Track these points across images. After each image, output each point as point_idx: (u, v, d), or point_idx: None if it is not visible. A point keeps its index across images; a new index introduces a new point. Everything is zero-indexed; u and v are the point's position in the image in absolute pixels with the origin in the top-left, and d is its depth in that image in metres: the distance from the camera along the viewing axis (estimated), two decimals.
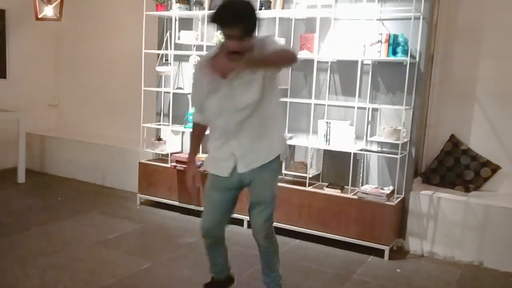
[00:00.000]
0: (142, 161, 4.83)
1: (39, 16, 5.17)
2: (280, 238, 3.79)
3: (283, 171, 4.25)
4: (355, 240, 3.79)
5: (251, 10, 2.27)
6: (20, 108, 5.61)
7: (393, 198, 3.79)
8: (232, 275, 2.90)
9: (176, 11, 4.52)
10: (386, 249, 3.70)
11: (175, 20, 4.56)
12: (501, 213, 3.61)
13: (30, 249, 3.51)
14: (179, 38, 4.54)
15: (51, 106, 6.58)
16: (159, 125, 4.93)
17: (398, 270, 3.50)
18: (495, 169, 3.99)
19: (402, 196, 3.87)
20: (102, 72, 6.05)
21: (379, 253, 3.71)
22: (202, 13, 4.43)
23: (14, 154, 5.82)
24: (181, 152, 4.89)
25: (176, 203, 4.59)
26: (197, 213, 4.41)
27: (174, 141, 4.91)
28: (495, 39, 3.95)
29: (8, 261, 3.26)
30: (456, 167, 4.09)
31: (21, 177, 5.45)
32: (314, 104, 4.05)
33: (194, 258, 3.52)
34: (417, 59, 3.76)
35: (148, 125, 4.86)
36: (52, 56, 6.48)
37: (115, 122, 5.99)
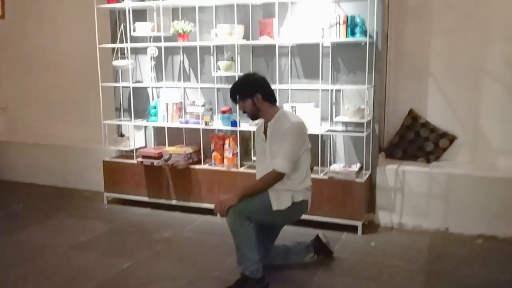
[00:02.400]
0: (106, 159, 4.72)
1: None
2: None
3: (253, 158, 4.29)
4: (328, 218, 3.90)
5: (240, 84, 3.02)
6: None
7: (362, 175, 3.92)
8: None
9: (129, 3, 4.40)
10: (359, 224, 3.83)
11: (129, 12, 4.44)
12: (461, 180, 3.83)
13: (2, 260, 3.37)
14: (134, 30, 4.44)
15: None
16: (120, 121, 4.82)
17: (373, 244, 3.65)
18: (452, 139, 4.21)
19: (369, 172, 4.01)
20: (52, 71, 5.81)
21: (353, 229, 3.84)
22: (156, 3, 4.34)
23: None
24: (145, 146, 4.82)
25: (146, 199, 4.54)
26: (169, 207, 4.42)
27: (137, 136, 4.82)
28: (443, 16, 4.13)
29: None
30: (416, 140, 4.27)
31: None
32: (278, 89, 4.08)
33: (173, 252, 3.52)
34: (374, 39, 3.87)
35: (109, 121, 4.74)
36: None
37: (70, 121, 5.79)
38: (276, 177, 2.87)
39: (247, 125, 4.22)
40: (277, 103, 3.12)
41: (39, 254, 3.47)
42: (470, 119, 4.16)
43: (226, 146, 4.27)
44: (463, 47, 4.11)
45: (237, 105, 3.13)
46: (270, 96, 3.00)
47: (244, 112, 3.06)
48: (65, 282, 3.03)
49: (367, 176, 3.94)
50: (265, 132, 3.03)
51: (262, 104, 2.96)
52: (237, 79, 3.16)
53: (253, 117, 3.05)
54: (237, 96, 2.99)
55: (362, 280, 3.04)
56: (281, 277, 3.07)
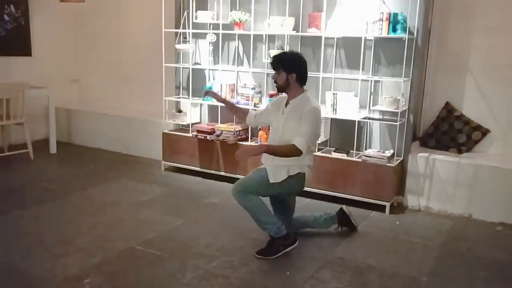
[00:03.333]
0: (165, 131, 5.31)
1: None
2: None
3: None
4: (359, 197, 4.30)
5: (285, 57, 3.34)
6: (44, 84, 6.04)
7: (393, 160, 4.28)
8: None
9: None
10: (387, 205, 4.21)
11: (192, 0, 4.94)
12: (489, 171, 4.10)
13: (77, 210, 4.04)
14: (196, 18, 4.94)
15: (73, 81, 7.01)
16: (179, 98, 5.38)
17: (397, 223, 4.03)
18: (485, 132, 4.45)
19: (401, 158, 4.35)
20: (121, 49, 6.45)
21: (381, 208, 4.22)
22: None
23: (42, 127, 6.35)
24: (200, 122, 5.36)
25: (198, 169, 5.10)
26: (217, 177, 4.95)
27: (193, 112, 5.37)
28: (486, 14, 4.34)
29: (62, 221, 3.79)
30: (450, 132, 4.55)
31: (53, 148, 5.96)
32: (322, 77, 4.49)
33: (219, 215, 4.04)
34: (415, 35, 4.16)
35: (170, 98, 5.31)
36: (72, 34, 6.87)
37: (134, 95, 6.44)
38: (295, 151, 3.14)
39: None
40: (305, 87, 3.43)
41: (107, 208, 4.11)
42: (504, 114, 4.38)
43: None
44: (502, 44, 4.31)
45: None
46: (302, 79, 3.32)
47: (274, 82, 3.38)
48: (130, 231, 3.64)
49: (398, 161, 4.28)
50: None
51: (293, 82, 3.29)
52: (291, 51, 3.49)
53: (281, 89, 3.37)
54: (277, 65, 3.29)
55: (381, 252, 3.45)
56: (307, 242, 3.53)
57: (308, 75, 3.39)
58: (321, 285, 2.92)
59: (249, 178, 3.37)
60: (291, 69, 3.26)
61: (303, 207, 4.29)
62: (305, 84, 3.40)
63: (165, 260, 3.18)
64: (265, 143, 3.50)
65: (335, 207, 4.22)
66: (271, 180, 3.27)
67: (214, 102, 5.02)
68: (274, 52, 4.57)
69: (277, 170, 3.28)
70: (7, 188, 4.56)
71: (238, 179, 4.79)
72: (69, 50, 6.89)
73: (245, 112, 3.77)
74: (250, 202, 3.26)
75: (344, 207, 3.79)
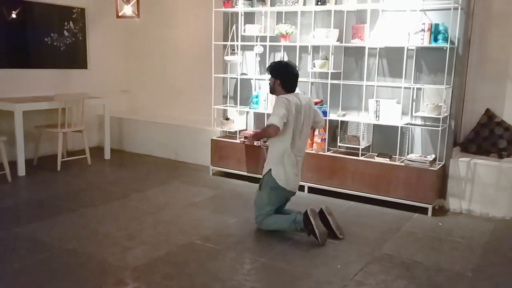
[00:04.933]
0: (214, 137, 5.62)
1: (120, 14, 5.96)
2: (336, 201, 4.68)
3: (339, 144, 4.95)
4: (402, 200, 4.48)
5: (272, 66, 3.90)
6: (98, 94, 6.49)
7: (435, 164, 4.44)
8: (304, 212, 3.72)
9: (242, 7, 5.22)
10: (429, 207, 4.37)
11: (241, 15, 5.27)
12: None
13: (137, 209, 4.37)
14: (244, 31, 5.26)
15: (123, 92, 7.45)
16: (226, 106, 5.69)
17: (440, 224, 4.18)
18: None
19: (443, 162, 4.51)
20: (170, 61, 6.85)
21: (423, 211, 4.39)
22: (264, 9, 5.13)
23: (95, 135, 6.79)
24: (246, 129, 5.64)
25: (245, 173, 5.38)
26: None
27: (240, 120, 5.67)
28: None
29: (125, 218, 4.13)
30: (490, 137, 4.68)
31: (107, 154, 6.36)
32: (365, 85, 4.71)
33: None
34: (456, 44, 4.34)
35: (218, 106, 5.63)
36: (124, 47, 7.32)
37: (181, 105, 6.81)
38: (269, 126, 3.60)
39: (335, 116, 4.88)
40: (295, 91, 3.83)
41: (165, 208, 4.42)
42: None
43: (316, 132, 4.96)
44: None
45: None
46: (287, 86, 3.78)
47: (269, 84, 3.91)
48: (188, 228, 3.93)
49: (440, 165, 4.45)
50: None
51: (278, 87, 3.79)
52: (282, 61, 4.09)
53: (270, 91, 3.91)
54: (268, 71, 3.88)
55: (426, 249, 3.62)
56: (354, 240, 3.74)
57: (293, 83, 3.80)
58: (371, 277, 3.13)
59: (256, 204, 3.89)
60: (275, 76, 3.82)
61: (348, 209, 4.51)
62: (292, 91, 3.80)
63: (223, 253, 3.45)
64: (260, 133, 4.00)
65: (379, 210, 4.45)
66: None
67: (260, 110, 5.32)
68: (319, 62, 4.84)
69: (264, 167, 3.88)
70: (72, 190, 4.95)
71: None
72: (121, 62, 7.34)
73: None
74: (270, 223, 3.81)
75: (309, 210, 3.65)
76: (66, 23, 6.46)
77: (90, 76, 6.84)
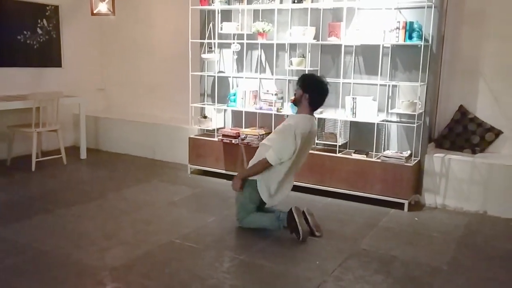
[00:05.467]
0: (191, 136, 5.59)
1: (94, 12, 5.87)
2: (314, 197, 4.70)
3: (316, 141, 4.98)
4: (379, 196, 4.54)
5: (305, 77, 3.76)
6: (73, 93, 6.40)
7: (411, 160, 4.52)
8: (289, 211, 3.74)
9: (219, 5, 5.21)
10: (406, 202, 4.44)
11: (218, 13, 5.26)
12: (502, 170, 4.32)
13: (115, 209, 4.32)
14: (221, 29, 5.24)
15: (99, 90, 7.35)
16: (204, 104, 5.67)
17: (416, 219, 4.26)
18: (497, 133, 4.68)
19: (418, 158, 4.59)
20: (146, 59, 6.79)
21: (400, 206, 4.46)
22: (241, 7, 5.12)
23: (70, 134, 6.69)
24: (224, 127, 5.64)
25: (223, 171, 5.37)
26: None
27: (218, 118, 5.66)
28: (496, 21, 4.59)
29: (103, 218, 4.08)
30: (464, 133, 4.79)
31: (83, 154, 6.27)
32: (342, 82, 4.76)
33: None
34: (430, 42, 4.42)
35: (196, 104, 5.61)
36: (99, 45, 7.22)
37: (158, 103, 6.75)
38: (265, 164, 3.61)
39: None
40: (314, 112, 3.76)
41: (143, 207, 4.39)
42: None
43: None
44: None
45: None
46: (314, 103, 3.67)
47: (294, 94, 3.80)
48: (167, 227, 3.91)
49: (415, 161, 4.53)
50: None
51: (304, 101, 3.65)
52: (315, 75, 3.93)
53: (294, 103, 3.79)
54: (298, 82, 3.73)
55: (402, 244, 3.69)
56: (332, 236, 3.78)
57: (321, 102, 3.71)
58: (349, 273, 3.17)
59: (238, 205, 3.86)
60: (305, 88, 3.65)
61: (326, 206, 4.55)
62: (315, 109, 3.73)
63: (203, 251, 3.45)
64: (247, 172, 3.79)
65: (357, 206, 4.50)
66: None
67: (237, 108, 5.31)
68: (296, 60, 4.87)
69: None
70: (47, 190, 4.87)
71: None
72: (96, 61, 7.23)
73: None
74: (252, 221, 3.80)
75: (293, 208, 3.67)
76: (39, 21, 6.33)
77: (65, 74, 6.72)
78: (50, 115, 5.62)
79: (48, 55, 6.51)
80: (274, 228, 3.77)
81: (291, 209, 3.69)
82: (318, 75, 4.12)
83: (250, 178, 3.76)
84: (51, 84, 6.45)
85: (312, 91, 3.64)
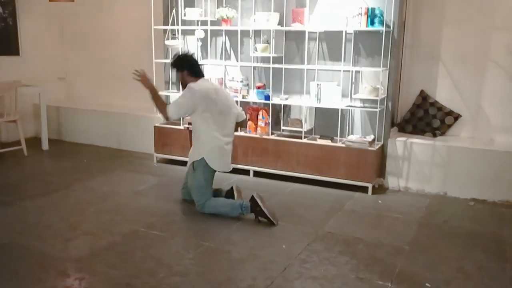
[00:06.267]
0: (157, 124, 5.53)
1: None
2: (281, 183, 4.75)
3: (282, 127, 5.02)
4: (344, 180, 4.62)
5: (174, 60, 3.98)
6: (32, 82, 6.20)
7: (374, 144, 4.61)
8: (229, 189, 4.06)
9: None
10: (370, 186, 4.54)
11: None
12: (461, 152, 4.46)
13: (79, 200, 4.25)
14: (185, 15, 5.17)
15: (60, 79, 7.15)
16: (169, 92, 5.60)
17: (380, 202, 4.36)
18: (456, 117, 4.82)
19: (382, 143, 4.68)
20: (108, 47, 6.63)
21: (364, 190, 4.55)
22: None
23: (31, 125, 6.51)
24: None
25: None
26: None
27: None
28: (455, 6, 4.70)
29: (66, 209, 4.00)
30: (425, 117, 4.91)
31: (45, 145, 6.11)
32: (306, 69, 4.79)
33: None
34: (391, 28, 4.49)
35: (161, 92, 5.48)
36: (59, 33, 7.01)
37: (122, 92, 6.62)
38: (163, 110, 3.83)
39: (278, 99, 4.93)
40: (204, 76, 3.98)
41: (109, 197, 4.32)
42: (474, 100, 4.76)
43: (260, 116, 5.00)
44: (470, 35, 4.68)
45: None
46: (195, 72, 3.89)
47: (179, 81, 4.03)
48: (132, 216, 3.87)
49: (379, 146, 4.62)
50: None
51: (187, 77, 3.88)
52: (179, 54, 4.10)
53: (183, 85, 3.96)
54: (172, 68, 3.98)
55: (366, 226, 3.77)
56: (298, 220, 3.83)
57: (199, 67, 3.95)
58: (314, 255, 3.22)
59: (192, 189, 3.93)
60: (181, 68, 3.91)
61: (292, 191, 4.60)
62: (200, 76, 3.91)
63: (168, 239, 3.43)
64: (154, 88, 3.96)
65: (322, 190, 4.57)
66: (192, 160, 3.89)
67: None
68: (261, 46, 4.86)
69: (192, 153, 3.94)
70: (7, 183, 4.73)
71: None
72: (56, 49, 7.03)
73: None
74: (214, 208, 3.85)
75: (255, 195, 3.73)
76: None
77: (23, 63, 6.50)
78: (8, 105, 5.44)
79: (4, 43, 6.28)
80: (234, 214, 3.80)
81: (252, 196, 3.73)
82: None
83: (195, 159, 3.87)
84: (8, 73, 6.22)
85: (186, 65, 3.90)
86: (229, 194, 4.05)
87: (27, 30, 6.52)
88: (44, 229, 3.57)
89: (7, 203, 4.10)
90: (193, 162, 3.90)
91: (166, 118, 3.86)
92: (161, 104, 3.85)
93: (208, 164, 3.84)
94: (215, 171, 3.92)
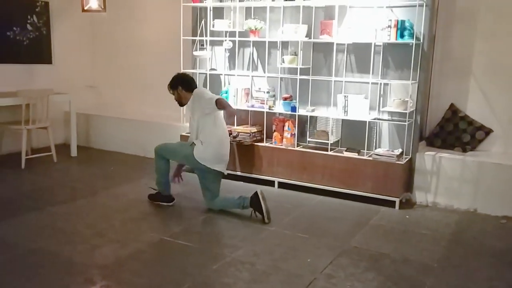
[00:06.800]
0: (183, 133, 5.57)
1: (85, 8, 5.83)
2: (306, 195, 4.74)
3: (308, 139, 4.99)
4: (370, 194, 4.55)
5: (173, 79, 4.32)
6: (63, 90, 6.33)
7: (402, 158, 4.54)
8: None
9: (211, 2, 5.19)
10: (397, 200, 4.46)
11: (210, 10, 5.24)
12: (492, 168, 4.35)
13: (105, 207, 4.30)
14: (213, 26, 5.22)
15: (90, 88, 7.29)
16: None
17: (407, 216, 4.28)
18: (488, 132, 4.71)
19: (410, 156, 4.61)
20: (138, 56, 6.74)
21: (391, 204, 4.47)
22: (233, 4, 5.11)
23: (61, 132, 6.64)
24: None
25: None
26: (234, 177, 5.20)
27: None
28: (487, 20, 4.62)
29: (93, 216, 4.05)
30: (455, 132, 4.81)
31: (74, 151, 6.23)
32: (334, 81, 4.76)
33: (238, 211, 4.26)
34: (421, 41, 4.43)
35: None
36: (90, 42, 7.17)
37: (149, 101, 6.71)
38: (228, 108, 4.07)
39: (304, 111, 4.92)
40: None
41: (133, 205, 4.36)
42: (506, 114, 4.65)
43: (286, 127, 4.99)
44: (502, 49, 4.58)
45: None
46: (188, 86, 4.24)
47: (176, 100, 4.36)
48: (158, 225, 3.90)
49: (407, 159, 4.54)
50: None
51: (183, 93, 4.25)
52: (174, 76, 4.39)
53: (180, 104, 4.37)
54: (169, 89, 4.31)
55: (393, 242, 3.70)
56: (323, 233, 3.78)
57: (191, 82, 4.28)
58: (340, 270, 3.17)
59: (172, 147, 4.42)
60: (176, 86, 4.27)
61: (318, 203, 4.56)
62: (193, 89, 4.24)
63: (193, 249, 3.43)
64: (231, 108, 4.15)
65: (348, 203, 4.51)
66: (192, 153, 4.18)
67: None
68: (288, 57, 4.86)
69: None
70: (37, 188, 4.83)
71: (253, 178, 5.12)
72: (87, 57, 7.18)
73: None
74: (222, 204, 4.22)
75: (259, 191, 4.03)
76: (29, 17, 6.27)
77: (55, 71, 6.66)
78: (40, 112, 5.57)
79: (38, 51, 6.45)
80: (237, 207, 4.10)
81: (257, 192, 4.02)
82: None
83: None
84: (41, 81, 6.39)
85: (180, 83, 4.26)
86: (254, 200, 4.03)
87: (60, 39, 6.68)
88: (72, 235, 3.62)
89: (37, 208, 4.18)
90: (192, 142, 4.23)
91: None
92: (228, 105, 4.10)
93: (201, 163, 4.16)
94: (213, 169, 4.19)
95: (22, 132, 5.42)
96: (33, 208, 4.17)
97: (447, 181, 4.52)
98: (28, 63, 6.34)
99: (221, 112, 4.19)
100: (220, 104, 3.98)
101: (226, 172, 4.35)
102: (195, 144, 4.15)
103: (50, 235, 3.62)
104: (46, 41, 6.52)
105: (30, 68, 6.37)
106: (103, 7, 5.83)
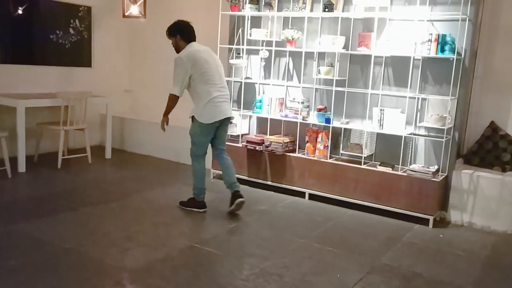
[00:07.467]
0: None
1: (126, 14, 5.95)
2: (337, 208, 4.64)
3: (341, 151, 4.93)
4: (403, 210, 4.45)
5: (169, 27, 4.38)
6: (101, 93, 6.48)
7: (438, 175, 4.42)
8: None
9: (249, 11, 5.21)
10: (431, 218, 4.34)
11: (248, 19, 5.26)
12: None
13: (137, 210, 4.35)
14: (250, 35, 5.24)
15: (126, 92, 7.43)
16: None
17: (441, 236, 4.16)
18: None
19: (446, 174, 4.48)
20: (173, 62, 6.80)
21: (425, 222, 4.36)
22: (271, 14, 5.12)
23: (97, 133, 6.79)
24: (248, 134, 5.62)
25: (246, 177, 5.35)
26: (264, 186, 5.18)
27: (243, 124, 5.65)
28: None
29: (125, 219, 4.11)
30: (494, 150, 4.66)
31: (108, 153, 6.34)
32: (370, 93, 4.70)
33: (268, 221, 4.27)
34: (462, 56, 4.33)
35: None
36: (128, 47, 7.31)
37: (183, 107, 6.71)
38: (172, 98, 4.34)
39: (338, 123, 4.86)
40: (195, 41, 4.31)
41: (165, 209, 4.40)
42: None
43: (319, 139, 4.94)
44: None
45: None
46: (186, 35, 4.26)
47: (173, 46, 4.35)
48: (188, 231, 3.92)
49: (443, 177, 4.42)
50: None
51: (180, 42, 4.27)
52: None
53: (176, 50, 4.31)
54: (167, 35, 4.33)
55: (426, 261, 3.59)
56: (352, 246, 3.71)
57: (191, 31, 4.32)
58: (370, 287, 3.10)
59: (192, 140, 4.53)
60: (175, 34, 4.27)
61: (350, 217, 4.48)
62: (191, 40, 4.29)
63: (222, 258, 3.43)
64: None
65: (380, 219, 4.43)
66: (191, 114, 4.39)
67: (263, 114, 5.29)
68: (324, 68, 4.83)
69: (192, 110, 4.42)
70: (71, 188, 4.93)
71: (284, 188, 5.09)
72: (125, 62, 7.33)
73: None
74: (194, 169, 4.47)
75: (242, 200, 4.29)
76: (72, 21, 6.45)
77: (94, 74, 6.82)
78: (78, 114, 5.71)
79: (79, 55, 6.62)
80: (195, 191, 4.39)
81: (241, 198, 4.28)
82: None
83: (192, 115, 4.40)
84: (80, 84, 6.56)
85: (178, 30, 4.27)
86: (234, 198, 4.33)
87: (100, 43, 6.84)
88: (103, 237, 3.67)
89: (71, 208, 4.26)
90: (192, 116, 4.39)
91: (176, 99, 4.30)
92: (169, 102, 4.36)
93: (199, 120, 4.31)
94: (212, 124, 4.30)
95: (60, 132, 5.56)
96: (67, 208, 4.26)
97: (484, 201, 4.37)
98: (69, 66, 6.51)
99: (204, 73, 4.21)
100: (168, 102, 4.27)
101: (232, 115, 4.50)
102: (193, 115, 4.36)
103: (82, 235, 3.68)
104: (87, 45, 6.69)
105: (70, 71, 6.54)
106: (143, 13, 5.94)
